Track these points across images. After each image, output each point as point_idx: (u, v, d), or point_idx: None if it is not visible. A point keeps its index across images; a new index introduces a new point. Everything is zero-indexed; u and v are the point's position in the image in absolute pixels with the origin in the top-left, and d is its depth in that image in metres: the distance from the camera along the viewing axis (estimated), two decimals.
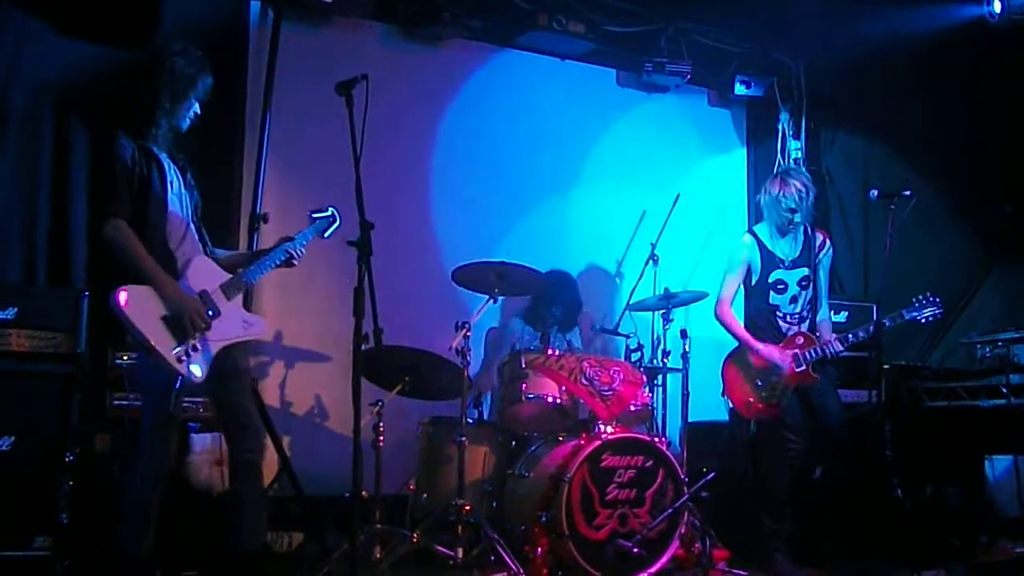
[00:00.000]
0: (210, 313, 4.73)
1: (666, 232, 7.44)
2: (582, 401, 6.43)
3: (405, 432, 6.79)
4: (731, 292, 6.57)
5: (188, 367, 4.62)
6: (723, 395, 6.62)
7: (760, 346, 6.39)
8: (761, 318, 6.48)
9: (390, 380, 6.29)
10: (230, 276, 4.93)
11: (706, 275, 8.25)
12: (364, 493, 5.74)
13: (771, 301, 6.45)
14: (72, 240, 6.38)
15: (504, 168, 8.17)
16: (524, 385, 6.37)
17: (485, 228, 7.90)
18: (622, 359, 6.94)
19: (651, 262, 7.38)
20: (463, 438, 6.03)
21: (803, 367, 6.29)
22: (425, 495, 6.36)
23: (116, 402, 5.74)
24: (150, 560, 4.81)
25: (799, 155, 9.00)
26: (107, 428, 5.73)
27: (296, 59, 7.25)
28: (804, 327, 6.44)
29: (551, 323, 7.30)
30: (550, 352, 6.47)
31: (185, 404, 5.77)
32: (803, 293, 6.47)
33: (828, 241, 6.67)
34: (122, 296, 4.57)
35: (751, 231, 6.62)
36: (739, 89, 8.89)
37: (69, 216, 6.38)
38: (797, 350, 6.32)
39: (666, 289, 6.98)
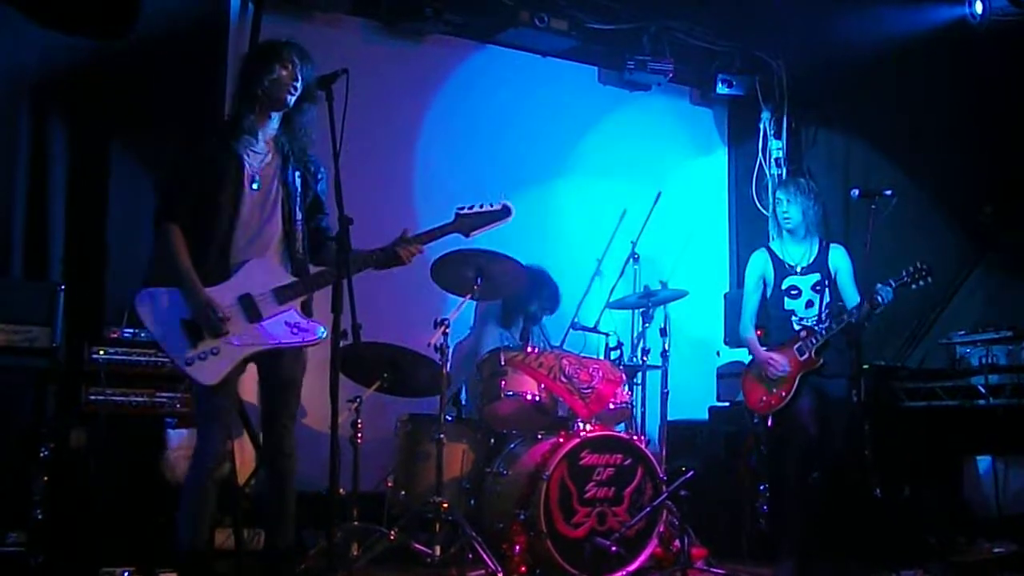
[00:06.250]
0: (246, 317, 4.60)
1: (647, 230, 7.42)
2: (561, 399, 6.40)
3: (383, 429, 6.75)
4: (749, 310, 6.54)
5: (199, 371, 4.51)
6: (746, 405, 6.63)
7: (765, 354, 6.35)
8: (775, 323, 6.46)
9: (368, 376, 6.27)
10: (291, 280, 4.72)
11: (686, 273, 8.25)
12: (341, 490, 5.73)
13: (786, 307, 6.41)
14: (49, 233, 6.33)
15: (485, 165, 8.14)
16: (503, 382, 6.35)
17: None
18: (601, 357, 6.91)
19: (631, 260, 7.36)
20: (441, 435, 6.01)
21: (806, 355, 6.28)
22: (403, 492, 6.32)
23: (92, 397, 5.68)
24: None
25: (780, 154, 9.04)
26: (83, 423, 5.66)
27: None
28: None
29: (531, 320, 7.23)
30: (529, 349, 6.46)
31: (162, 399, 5.75)
32: (819, 298, 6.43)
33: (843, 250, 6.63)
34: (140, 298, 4.53)
35: (766, 246, 6.62)
36: (721, 88, 8.92)
37: (47, 208, 6.34)
38: (800, 342, 6.31)
39: (646, 287, 6.99)
